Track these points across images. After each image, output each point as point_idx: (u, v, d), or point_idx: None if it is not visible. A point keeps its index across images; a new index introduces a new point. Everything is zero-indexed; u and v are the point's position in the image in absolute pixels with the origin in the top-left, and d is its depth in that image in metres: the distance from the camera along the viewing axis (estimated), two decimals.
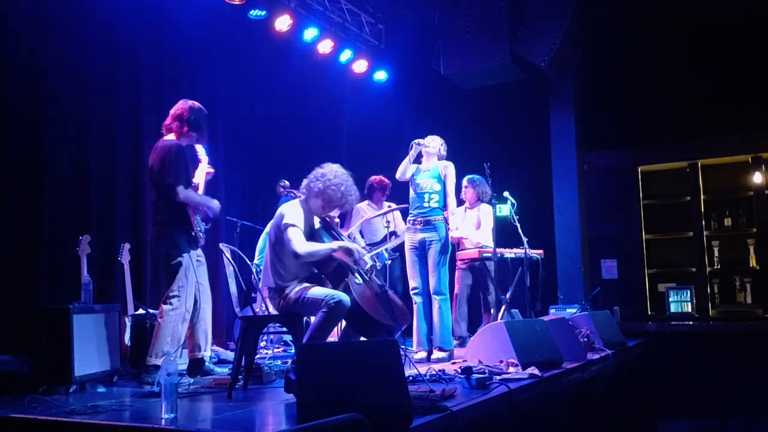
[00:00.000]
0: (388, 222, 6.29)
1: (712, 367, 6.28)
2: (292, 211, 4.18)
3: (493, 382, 3.70)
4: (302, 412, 2.61)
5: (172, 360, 2.99)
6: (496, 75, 6.70)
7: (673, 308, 7.02)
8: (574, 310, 6.00)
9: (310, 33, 7.00)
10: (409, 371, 3.76)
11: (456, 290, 6.25)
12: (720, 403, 6.19)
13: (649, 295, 7.25)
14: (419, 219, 5.31)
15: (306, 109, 7.94)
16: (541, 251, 6.24)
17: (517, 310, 5.82)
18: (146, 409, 3.38)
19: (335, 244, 4.14)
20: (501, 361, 4.30)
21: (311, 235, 4.25)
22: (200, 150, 4.72)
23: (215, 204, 4.51)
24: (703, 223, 7.12)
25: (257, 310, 4.57)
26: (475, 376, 3.68)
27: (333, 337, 4.40)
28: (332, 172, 4.26)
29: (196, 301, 4.42)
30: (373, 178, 6.75)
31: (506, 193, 5.98)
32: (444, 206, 5.37)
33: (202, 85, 6.68)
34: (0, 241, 4.83)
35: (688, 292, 6.99)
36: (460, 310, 6.20)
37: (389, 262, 6.32)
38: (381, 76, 8.08)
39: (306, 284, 4.13)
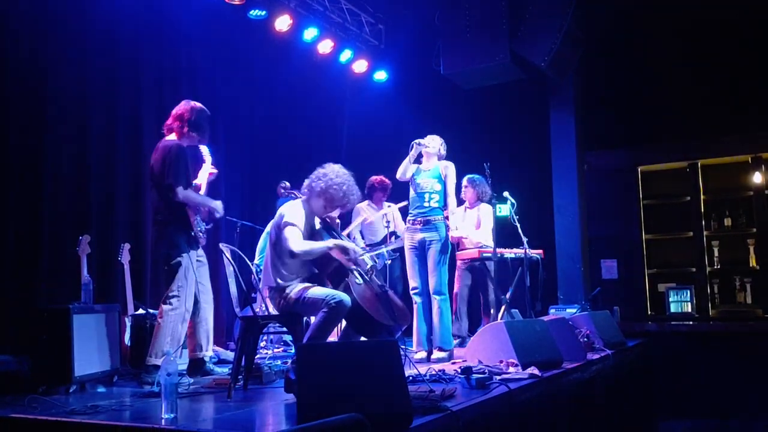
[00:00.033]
0: (388, 222, 6.29)
1: (712, 367, 6.28)
2: (292, 211, 4.19)
3: (493, 382, 3.70)
4: (302, 412, 2.62)
5: (172, 360, 2.99)
6: (496, 75, 6.70)
7: (673, 308, 7.02)
8: (574, 310, 6.00)
9: (310, 33, 7.00)
10: (409, 371, 3.75)
11: (456, 289, 6.25)
12: (720, 403, 6.19)
13: (649, 295, 7.25)
14: (419, 219, 5.31)
15: (306, 109, 7.94)
16: (541, 251, 6.24)
17: (517, 310, 5.82)
18: (146, 409, 3.38)
19: (330, 242, 4.15)
20: (501, 361, 4.30)
21: (312, 235, 4.26)
22: (204, 151, 4.73)
23: (215, 205, 4.51)
24: (703, 223, 7.11)
25: (257, 310, 4.57)
26: (475, 376, 3.68)
27: (333, 337, 4.40)
28: (334, 171, 4.28)
29: (197, 301, 4.42)
30: (374, 178, 6.75)
31: (506, 193, 5.98)
32: (444, 206, 5.37)
33: (202, 85, 6.67)
34: (0, 241, 4.83)
35: (688, 292, 6.99)
36: (459, 309, 6.21)
37: (389, 262, 6.33)
38: (381, 76, 8.08)
39: (307, 284, 4.13)
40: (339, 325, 4.41)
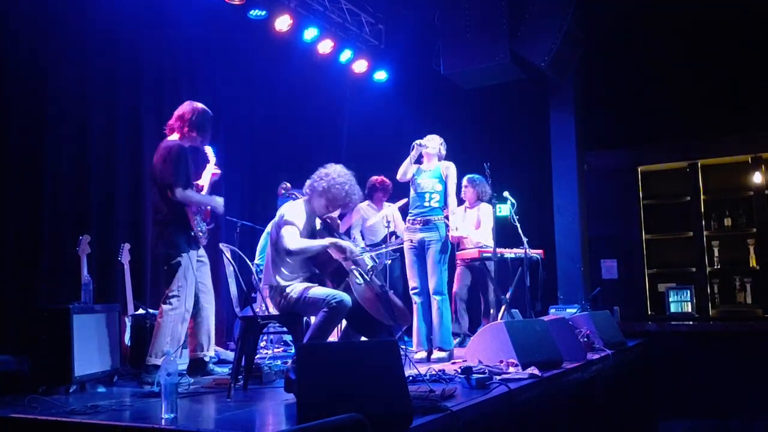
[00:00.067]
0: (388, 222, 6.29)
1: (712, 367, 6.28)
2: (292, 211, 4.21)
3: (493, 382, 3.70)
4: (302, 412, 2.62)
5: (172, 360, 2.99)
6: (496, 75, 6.70)
7: (673, 308, 7.02)
8: (574, 310, 6.00)
9: (310, 33, 7.00)
10: (409, 371, 3.76)
11: (455, 289, 6.25)
12: (720, 403, 6.19)
13: (649, 295, 7.25)
14: (419, 219, 5.31)
15: (306, 109, 7.94)
16: (541, 251, 6.24)
17: (517, 310, 5.82)
18: (146, 409, 3.38)
19: (327, 241, 4.16)
20: (501, 361, 4.30)
21: (313, 235, 4.27)
22: (209, 151, 4.73)
23: (216, 203, 4.51)
24: (703, 223, 7.12)
25: (257, 310, 4.57)
26: (475, 376, 3.68)
27: (333, 337, 4.40)
28: (336, 171, 4.31)
29: (198, 301, 4.42)
30: (375, 178, 6.75)
31: (506, 193, 5.98)
32: (444, 206, 5.37)
33: (202, 85, 6.67)
34: (0, 241, 4.83)
35: (688, 292, 6.99)
36: (458, 307, 6.21)
37: (389, 262, 6.32)
38: (381, 76, 8.08)
39: (308, 284, 4.14)
40: (339, 325, 4.41)
